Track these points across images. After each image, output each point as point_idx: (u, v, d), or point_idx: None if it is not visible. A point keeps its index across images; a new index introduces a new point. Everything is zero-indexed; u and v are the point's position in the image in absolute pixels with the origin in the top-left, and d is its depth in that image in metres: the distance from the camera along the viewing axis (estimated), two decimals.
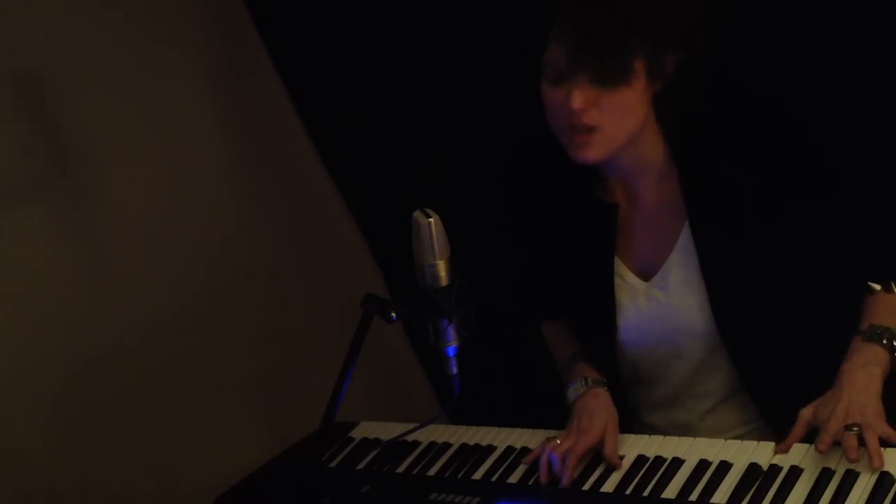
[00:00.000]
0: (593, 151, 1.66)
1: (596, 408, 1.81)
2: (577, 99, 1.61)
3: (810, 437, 1.61)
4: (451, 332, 1.63)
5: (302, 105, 2.56)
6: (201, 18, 2.38)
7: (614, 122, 1.64)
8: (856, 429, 1.53)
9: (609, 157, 1.69)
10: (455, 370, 1.66)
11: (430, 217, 1.57)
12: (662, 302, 1.78)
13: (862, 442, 1.53)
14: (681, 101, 1.69)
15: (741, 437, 1.82)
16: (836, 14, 1.85)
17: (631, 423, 1.92)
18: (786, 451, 1.62)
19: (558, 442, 1.77)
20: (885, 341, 1.64)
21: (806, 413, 1.62)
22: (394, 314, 1.64)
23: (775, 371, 1.75)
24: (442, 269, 1.59)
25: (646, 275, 1.80)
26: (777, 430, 1.73)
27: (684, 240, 1.76)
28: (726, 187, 1.71)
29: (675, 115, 1.72)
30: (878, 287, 1.73)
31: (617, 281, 1.82)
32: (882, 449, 1.53)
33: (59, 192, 2.12)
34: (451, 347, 1.64)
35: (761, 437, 1.74)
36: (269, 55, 2.51)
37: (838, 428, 1.55)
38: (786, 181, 1.70)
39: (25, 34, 2.07)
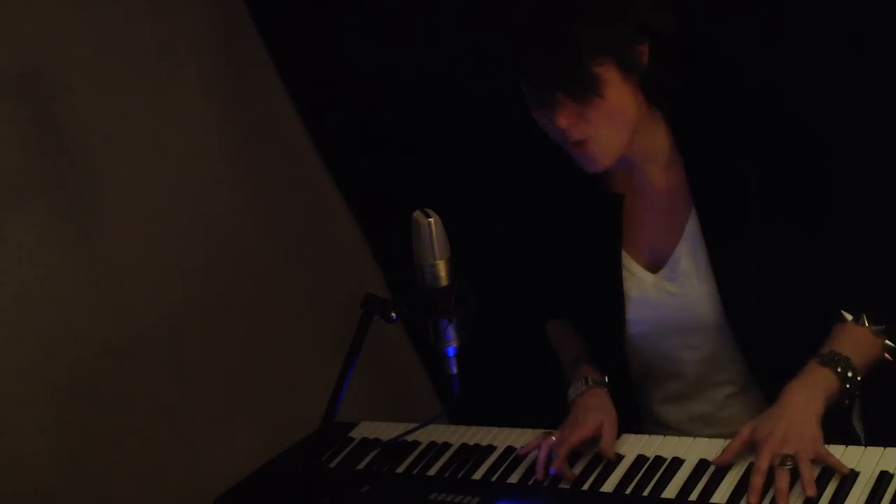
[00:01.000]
0: (598, 161, 1.68)
1: (592, 404, 1.81)
2: (561, 119, 1.64)
3: None
4: (451, 332, 1.63)
5: (302, 104, 2.56)
6: (201, 18, 2.39)
7: (604, 129, 1.65)
8: (789, 462, 1.52)
9: (619, 158, 1.70)
10: (455, 370, 1.66)
11: (430, 217, 1.57)
12: (672, 293, 1.78)
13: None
14: (664, 83, 1.69)
15: None
16: (842, 12, 1.85)
17: (641, 420, 1.92)
18: (724, 462, 1.62)
19: (553, 438, 1.77)
20: (839, 369, 1.64)
21: (745, 430, 1.62)
22: (394, 314, 1.64)
23: (785, 363, 1.75)
24: (442, 269, 1.59)
25: (653, 266, 1.80)
26: None
27: (692, 228, 1.76)
28: (731, 175, 1.72)
29: (667, 99, 1.73)
30: (849, 317, 1.73)
31: (624, 274, 1.82)
32: (882, 449, 1.54)
33: (59, 192, 2.12)
34: (451, 347, 1.64)
35: None
36: (270, 54, 2.51)
37: (770, 459, 1.54)
38: (787, 173, 1.70)
39: (25, 34, 2.07)
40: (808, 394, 1.61)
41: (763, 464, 1.54)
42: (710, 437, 1.75)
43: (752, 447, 1.60)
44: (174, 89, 2.32)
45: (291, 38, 2.48)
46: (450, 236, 1.59)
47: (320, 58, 2.46)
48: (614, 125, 1.66)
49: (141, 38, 2.26)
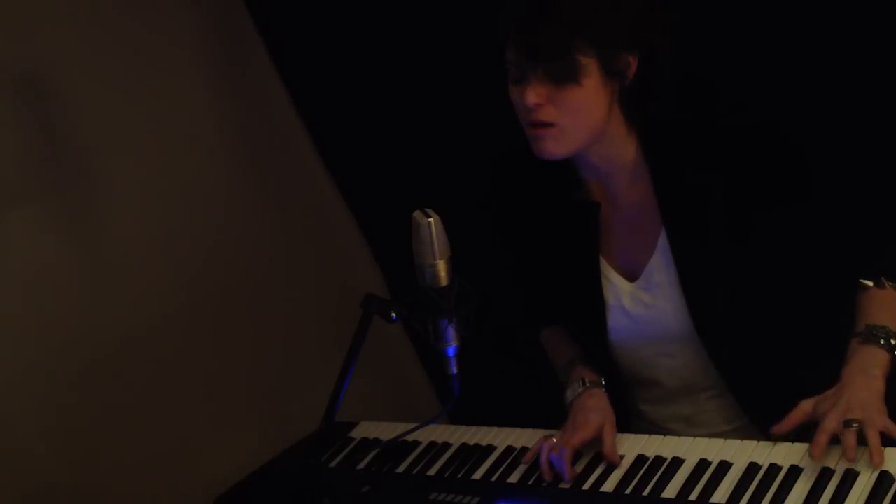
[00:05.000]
0: (551, 146, 1.69)
1: (591, 406, 1.82)
2: (531, 96, 1.65)
3: (810, 438, 1.61)
4: (451, 332, 1.63)
5: (301, 105, 2.56)
6: (201, 17, 2.38)
7: (570, 119, 1.66)
8: (856, 425, 1.52)
9: (571, 153, 1.71)
10: (455, 370, 1.66)
11: (430, 217, 1.57)
12: (648, 304, 1.79)
13: (863, 440, 1.52)
14: (643, 102, 1.70)
15: (741, 429, 1.84)
16: (809, 14, 1.85)
17: (631, 416, 1.93)
18: (781, 431, 1.61)
19: (553, 440, 1.77)
20: (882, 341, 1.64)
21: (806, 404, 1.61)
22: (394, 314, 1.64)
23: (758, 373, 1.76)
24: (442, 269, 1.59)
25: (630, 275, 1.81)
26: (766, 431, 1.73)
27: (663, 242, 1.77)
28: (696, 190, 1.72)
29: (642, 116, 1.74)
30: (869, 284, 1.73)
31: (603, 281, 1.83)
32: (882, 449, 1.53)
33: (59, 192, 2.12)
34: (451, 347, 1.64)
35: (746, 436, 1.74)
36: (269, 54, 2.51)
37: (837, 422, 1.54)
38: (756, 185, 1.70)
39: (25, 34, 2.07)
40: (866, 375, 1.61)
41: (829, 425, 1.54)
42: (694, 437, 1.75)
43: (812, 422, 1.59)
44: (174, 89, 2.32)
45: (291, 38, 2.48)
46: (450, 236, 1.59)
47: (320, 58, 2.46)
48: (578, 118, 1.67)
49: (141, 39, 2.26)
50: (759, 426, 1.77)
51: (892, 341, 1.65)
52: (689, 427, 1.88)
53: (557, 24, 1.60)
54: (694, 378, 1.84)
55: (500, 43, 1.68)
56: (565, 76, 1.63)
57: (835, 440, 1.55)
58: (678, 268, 1.75)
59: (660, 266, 1.77)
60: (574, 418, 1.81)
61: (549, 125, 1.66)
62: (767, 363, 1.75)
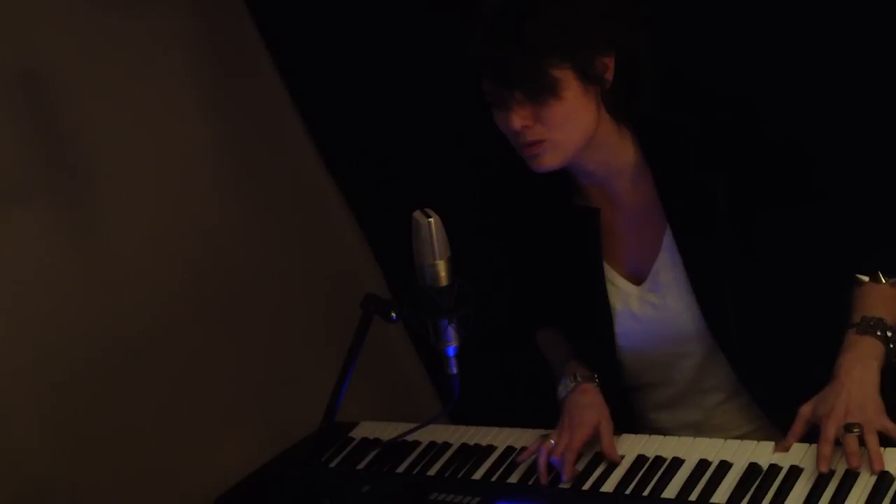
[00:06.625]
0: (546, 160, 1.69)
1: (585, 403, 1.81)
2: (516, 120, 1.65)
3: (810, 436, 1.61)
4: (451, 332, 1.63)
5: (302, 105, 2.56)
6: (201, 18, 2.38)
7: (559, 132, 1.66)
8: (857, 430, 1.53)
9: (568, 162, 1.71)
10: (455, 370, 1.66)
11: (430, 217, 1.57)
12: (657, 305, 1.78)
13: (863, 443, 1.53)
14: (629, 101, 1.70)
15: (748, 435, 1.83)
16: (808, 11, 1.85)
17: (635, 426, 1.91)
18: (786, 449, 1.62)
19: (552, 442, 1.77)
20: (879, 333, 1.64)
21: (805, 410, 1.62)
22: (394, 314, 1.64)
23: (771, 368, 1.75)
24: (442, 269, 1.59)
25: (636, 278, 1.81)
26: (782, 428, 1.73)
27: (668, 241, 1.76)
28: (699, 188, 1.72)
29: (631, 117, 1.74)
30: (865, 279, 1.73)
31: (609, 287, 1.82)
32: (882, 449, 1.54)
33: (59, 192, 2.12)
34: (451, 347, 1.64)
35: (767, 436, 1.74)
36: (270, 55, 2.51)
37: (838, 427, 1.55)
38: (756, 180, 1.70)
39: (25, 34, 2.07)
40: (863, 365, 1.61)
41: (829, 433, 1.55)
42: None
43: (813, 425, 1.60)
44: (174, 90, 2.32)
45: (291, 39, 2.48)
46: (450, 236, 1.59)
47: (320, 58, 2.46)
48: (567, 130, 1.67)
49: (141, 39, 2.26)
50: (779, 424, 1.76)
51: (889, 333, 1.65)
52: (698, 434, 1.86)
53: (525, 47, 1.60)
54: (705, 378, 1.83)
55: (476, 74, 1.68)
56: (545, 93, 1.63)
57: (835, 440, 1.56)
58: (686, 264, 1.74)
59: (666, 265, 1.77)
60: (570, 417, 1.80)
61: (541, 141, 1.67)
62: (781, 356, 1.74)
